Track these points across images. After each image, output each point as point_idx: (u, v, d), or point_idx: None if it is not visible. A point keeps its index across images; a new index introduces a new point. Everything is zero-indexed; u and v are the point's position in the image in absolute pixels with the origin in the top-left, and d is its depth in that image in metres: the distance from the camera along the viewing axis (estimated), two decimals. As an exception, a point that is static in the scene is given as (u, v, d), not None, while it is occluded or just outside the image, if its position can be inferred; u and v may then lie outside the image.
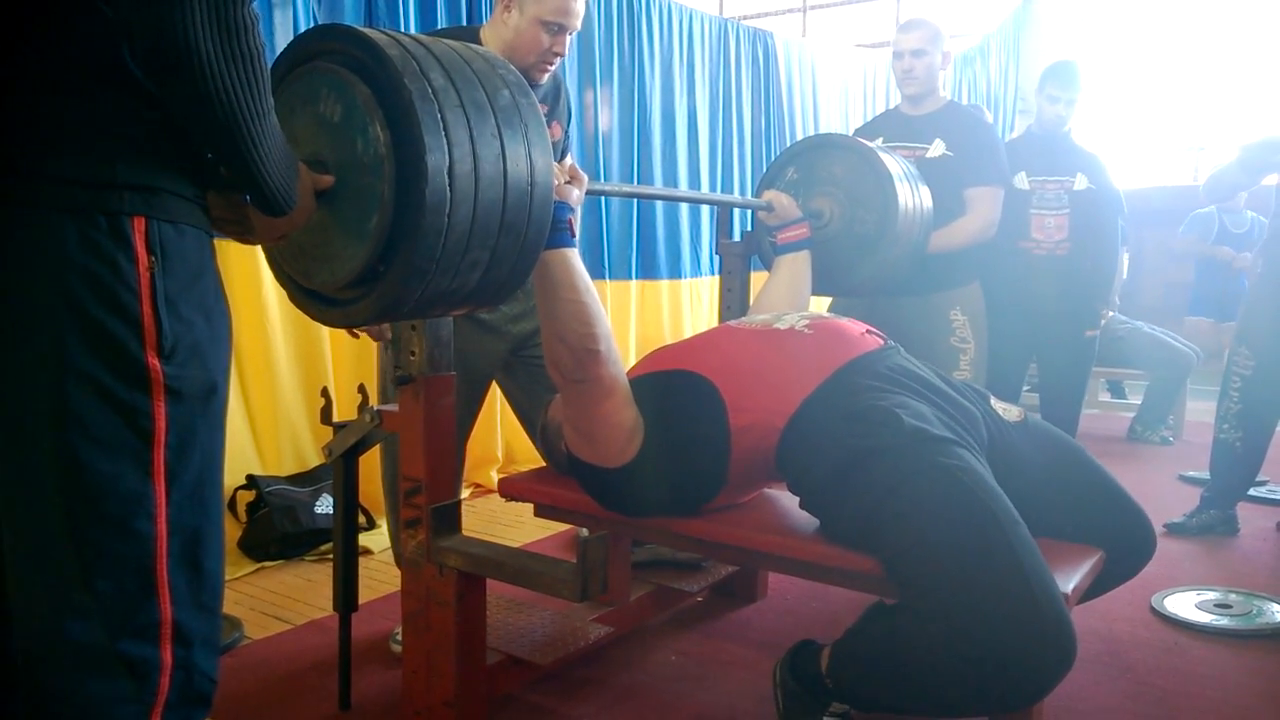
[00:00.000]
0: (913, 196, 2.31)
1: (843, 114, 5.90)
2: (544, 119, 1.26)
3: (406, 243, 1.12)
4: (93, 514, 0.89)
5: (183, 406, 0.92)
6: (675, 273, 4.52)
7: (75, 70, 0.87)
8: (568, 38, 1.98)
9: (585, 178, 1.59)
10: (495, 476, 3.32)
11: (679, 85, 4.48)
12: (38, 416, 0.88)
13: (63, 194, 0.86)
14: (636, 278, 4.30)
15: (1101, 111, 8.13)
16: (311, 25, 2.88)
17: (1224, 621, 2.27)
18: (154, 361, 0.89)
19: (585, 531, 1.49)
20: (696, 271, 4.64)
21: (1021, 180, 3.00)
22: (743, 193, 4.90)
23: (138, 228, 0.88)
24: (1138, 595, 2.35)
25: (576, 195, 1.53)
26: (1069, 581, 1.41)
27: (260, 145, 0.92)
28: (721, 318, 2.45)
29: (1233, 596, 2.42)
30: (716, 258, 4.60)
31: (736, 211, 4.01)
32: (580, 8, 1.97)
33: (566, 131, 2.26)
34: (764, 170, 5.14)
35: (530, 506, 1.88)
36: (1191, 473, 3.71)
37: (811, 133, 5.60)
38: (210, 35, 0.84)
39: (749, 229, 2.53)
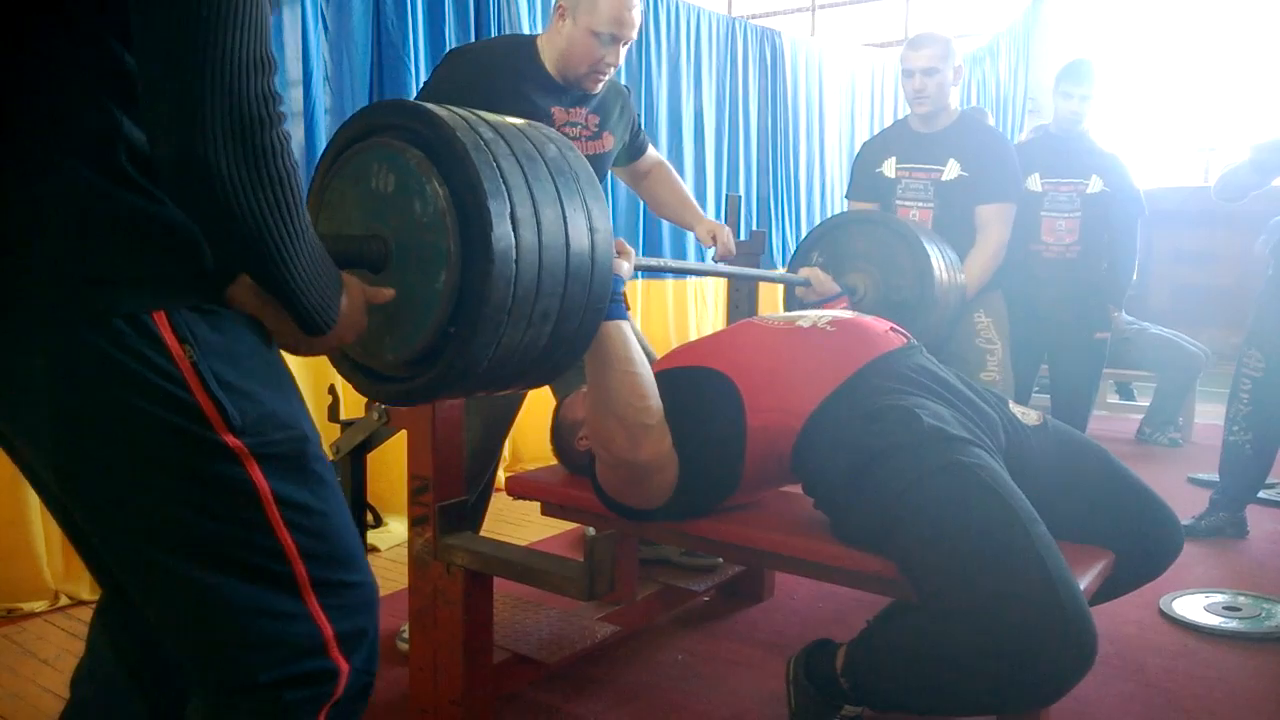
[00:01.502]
0: (943, 261, 2.33)
1: (849, 114, 5.88)
2: (589, 165, 1.25)
3: (478, 295, 1.09)
4: (236, 569, 0.92)
5: (278, 464, 0.93)
6: (681, 273, 4.52)
7: (85, 167, 0.85)
8: (621, 48, 1.98)
9: (632, 251, 1.58)
10: (502, 475, 3.32)
11: (686, 84, 4.48)
12: (139, 528, 0.91)
13: (72, 299, 0.85)
14: (642, 277, 4.30)
15: (1112, 111, 8.10)
16: (319, 24, 2.88)
17: (1233, 624, 2.26)
18: (232, 440, 0.89)
19: (592, 530, 1.50)
20: (701, 257, 4.65)
21: (1034, 182, 2.98)
22: (747, 191, 4.89)
23: (160, 322, 0.86)
24: (1146, 597, 2.34)
25: (626, 268, 1.52)
26: (1078, 584, 1.40)
27: (292, 266, 0.88)
28: (729, 317, 2.45)
29: (1242, 599, 2.41)
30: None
31: (743, 211, 4.02)
32: (634, 18, 1.96)
33: (640, 134, 2.27)
34: (770, 170, 5.17)
35: (537, 505, 1.88)
36: (1201, 475, 3.70)
37: (818, 133, 5.59)
38: (234, 160, 0.80)
39: (756, 228, 2.53)
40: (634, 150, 2.28)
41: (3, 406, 0.92)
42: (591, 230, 1.19)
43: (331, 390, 1.78)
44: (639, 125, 2.28)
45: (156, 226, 0.87)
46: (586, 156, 2.06)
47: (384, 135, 1.16)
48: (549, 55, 2.00)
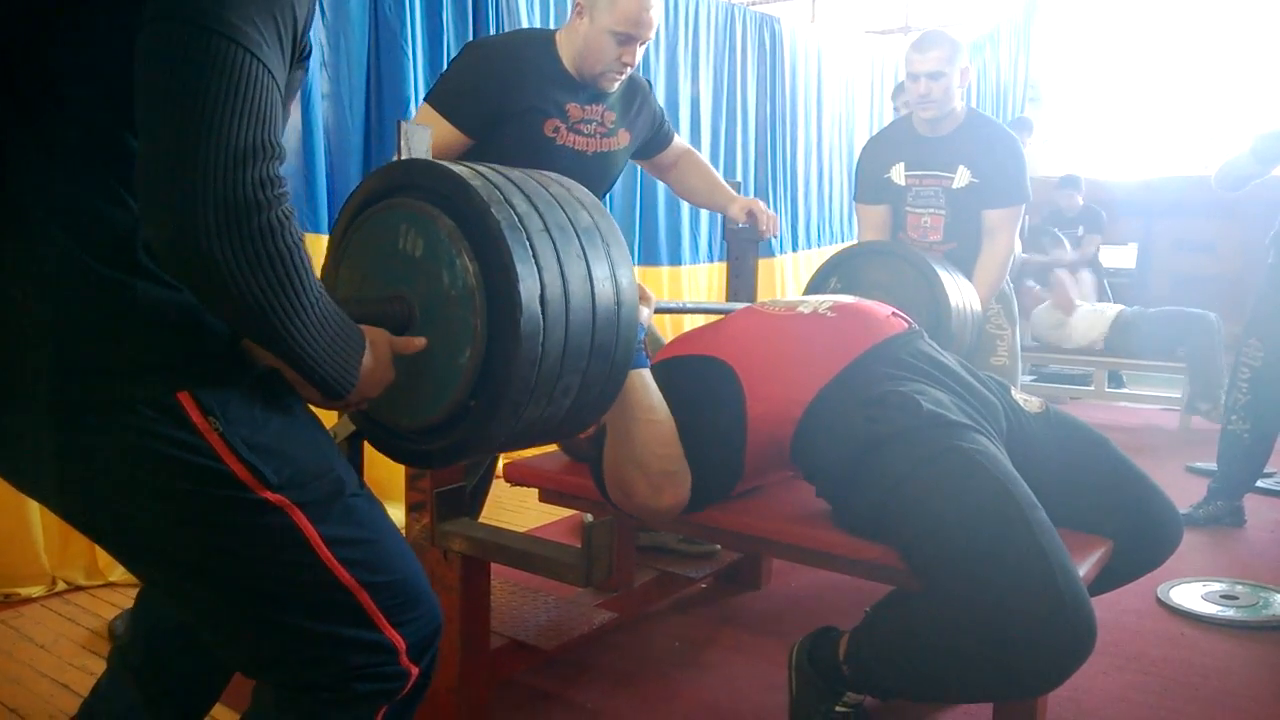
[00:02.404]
0: (960, 295, 2.31)
1: (849, 102, 5.86)
2: (620, 234, 1.23)
3: (501, 374, 1.07)
4: (307, 609, 0.97)
5: (320, 508, 0.96)
6: (675, 259, 4.51)
7: (107, 266, 0.86)
8: (638, 48, 1.97)
9: (652, 296, 1.56)
10: (501, 461, 3.32)
11: (683, 71, 4.45)
12: (218, 574, 0.95)
13: (106, 392, 0.86)
14: (638, 264, 4.29)
15: (1112, 100, 8.07)
16: (316, 23, 2.86)
17: (1230, 613, 2.27)
18: (271, 496, 0.92)
19: (590, 517, 1.49)
20: (696, 258, 4.63)
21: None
22: (745, 179, 4.87)
23: (184, 401, 0.88)
24: (1144, 586, 2.33)
25: (646, 314, 1.50)
26: (1078, 571, 1.40)
27: (301, 338, 0.86)
28: (728, 300, 2.44)
29: (1239, 588, 2.42)
30: (717, 244, 4.65)
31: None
32: (652, 19, 1.95)
33: (663, 127, 2.26)
34: (768, 158, 5.15)
35: (535, 491, 1.88)
36: (1199, 464, 3.70)
37: (815, 121, 5.57)
38: (229, 245, 0.78)
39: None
40: (658, 143, 2.27)
41: (39, 493, 0.98)
42: (619, 303, 1.17)
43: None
44: (663, 118, 2.26)
45: (174, 312, 0.88)
46: (602, 153, 2.09)
47: (415, 196, 1.13)
48: (566, 52, 1.99)
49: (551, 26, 2.56)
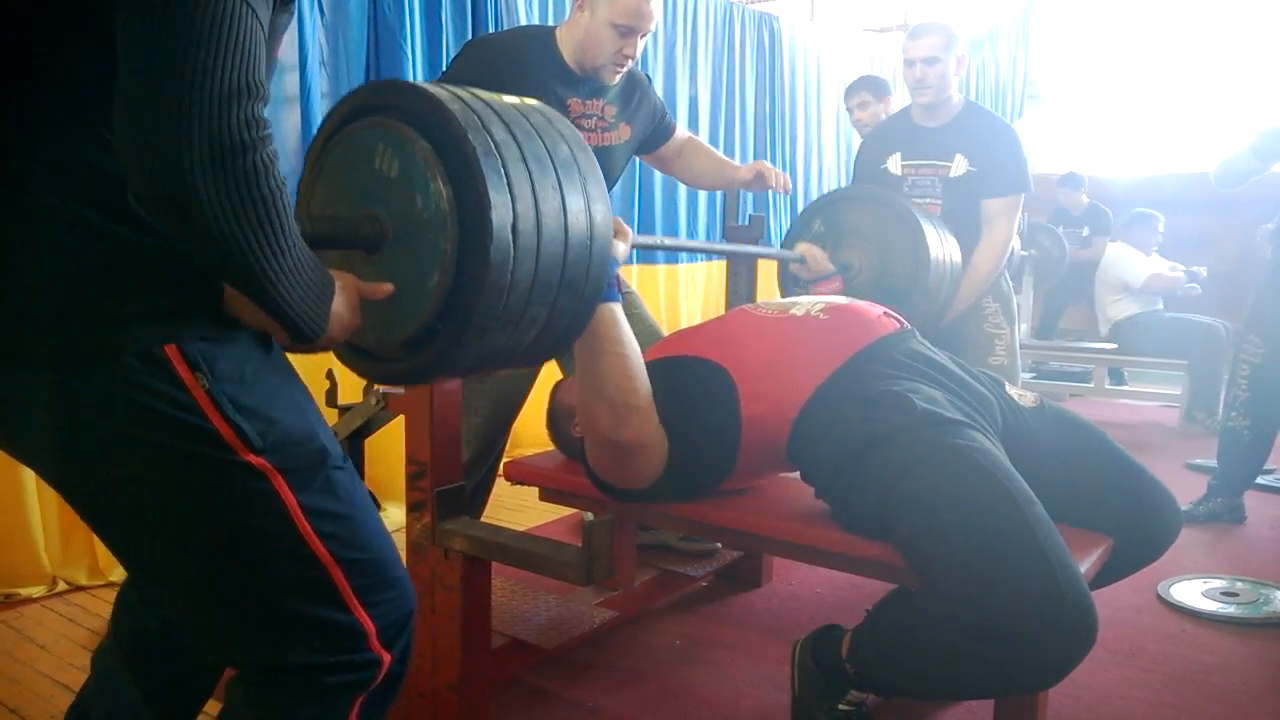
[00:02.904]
0: (943, 250, 2.30)
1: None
2: (600, 169, 1.23)
3: (468, 301, 1.08)
4: (275, 584, 0.95)
5: (302, 476, 0.94)
6: (672, 258, 4.51)
7: (85, 208, 0.85)
8: (639, 40, 1.98)
9: (629, 231, 1.57)
10: (502, 461, 3.32)
11: (681, 69, 4.45)
12: (182, 547, 0.93)
13: (83, 340, 0.85)
14: (635, 262, 4.29)
15: (1111, 98, 8.07)
16: (315, 8, 2.86)
17: (1230, 609, 2.27)
18: (254, 459, 0.90)
19: (589, 515, 1.49)
20: (693, 257, 4.63)
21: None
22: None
23: (172, 354, 0.87)
24: (1144, 583, 2.34)
25: (622, 250, 1.51)
26: (1077, 565, 1.40)
27: (278, 281, 0.86)
28: (728, 303, 2.44)
29: (1239, 584, 2.42)
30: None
31: (744, 195, 3.99)
32: (653, 11, 1.97)
33: (664, 119, 2.26)
34: (767, 157, 5.15)
35: (536, 490, 1.88)
36: (1199, 460, 3.70)
37: (815, 119, 5.57)
38: (214, 186, 0.78)
39: (753, 212, 2.51)
40: (661, 135, 2.27)
41: (19, 449, 0.95)
42: (591, 238, 1.17)
43: (329, 375, 1.78)
44: (663, 111, 2.27)
45: (162, 260, 0.87)
46: (603, 147, 2.10)
47: (394, 116, 1.13)
48: (567, 47, 2.01)
49: (551, 25, 2.56)
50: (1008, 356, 2.68)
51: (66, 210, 0.85)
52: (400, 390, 1.63)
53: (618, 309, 1.46)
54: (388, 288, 1.09)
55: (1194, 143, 7.68)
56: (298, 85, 2.83)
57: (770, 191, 2.31)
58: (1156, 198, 7.47)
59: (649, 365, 1.60)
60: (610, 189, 2.24)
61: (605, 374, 1.46)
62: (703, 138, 4.59)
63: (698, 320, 4.52)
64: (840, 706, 1.51)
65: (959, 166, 2.62)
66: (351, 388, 1.81)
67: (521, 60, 1.98)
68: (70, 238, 0.85)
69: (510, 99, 1.20)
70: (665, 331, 2.25)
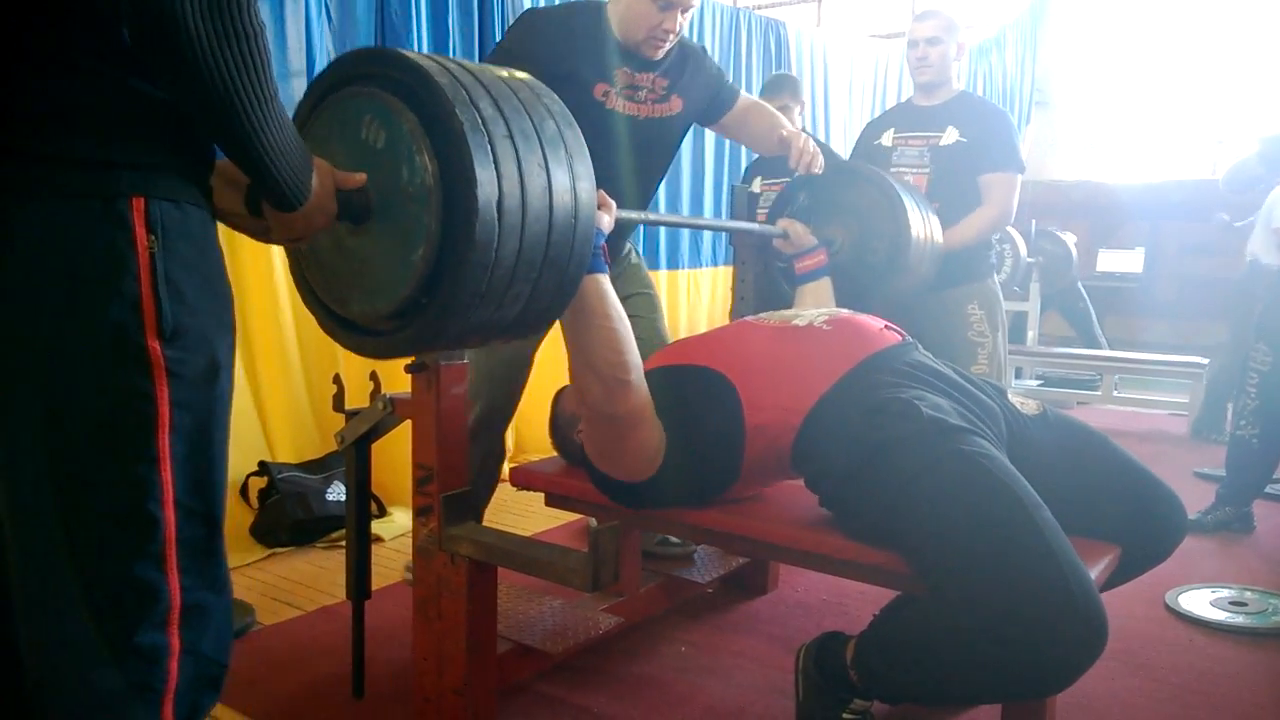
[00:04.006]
0: (924, 227, 2.29)
1: (853, 106, 5.85)
2: (586, 146, 1.23)
3: (452, 277, 1.08)
4: (97, 502, 0.88)
5: (185, 390, 0.90)
6: (674, 263, 4.51)
7: (71, 49, 0.85)
8: (681, 15, 1.99)
9: (613, 204, 1.58)
10: (506, 466, 3.32)
11: (690, 74, 4.46)
12: (37, 409, 0.87)
13: (57, 177, 0.84)
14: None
15: (1119, 103, 8.05)
16: (322, 15, 2.87)
17: (1239, 619, 2.25)
18: (154, 345, 0.87)
19: (594, 521, 1.49)
20: (697, 262, 4.63)
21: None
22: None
23: (137, 208, 0.86)
24: (1152, 592, 2.34)
25: (607, 221, 1.52)
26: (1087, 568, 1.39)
27: (263, 131, 0.87)
28: (734, 308, 2.44)
29: (1248, 594, 2.40)
30: (720, 249, 4.64)
31: (749, 201, 3.96)
32: None
33: (723, 90, 2.23)
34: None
35: (541, 496, 1.88)
36: (1207, 469, 3.68)
37: (823, 125, 5.57)
38: (199, 10, 0.80)
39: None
40: (720, 106, 2.26)
41: None
42: (576, 216, 1.18)
43: (337, 380, 1.78)
44: (719, 81, 2.24)
45: (151, 110, 0.87)
46: (654, 119, 2.10)
47: (382, 86, 1.13)
48: (614, 20, 2.02)
49: None
50: (990, 365, 2.66)
51: (60, 52, 0.84)
52: (407, 394, 1.63)
53: (603, 280, 1.47)
54: (361, 177, 1.09)
55: (1202, 149, 7.66)
56: (305, 90, 2.83)
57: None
58: (1164, 203, 7.46)
59: (651, 374, 1.60)
60: (666, 163, 2.24)
61: (593, 346, 1.46)
62: (709, 143, 4.62)
63: (703, 326, 4.53)
64: (845, 714, 1.50)
65: (949, 136, 2.64)
66: (358, 392, 1.81)
67: (571, 30, 2.00)
68: (64, 75, 0.85)
69: (499, 71, 1.20)
70: (670, 339, 2.25)
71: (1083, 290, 6.03)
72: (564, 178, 1.16)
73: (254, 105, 0.85)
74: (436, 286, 1.10)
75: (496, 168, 1.08)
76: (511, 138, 1.11)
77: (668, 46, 2.05)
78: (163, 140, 0.89)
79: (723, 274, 4.65)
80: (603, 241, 1.48)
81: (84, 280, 0.85)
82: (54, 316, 0.85)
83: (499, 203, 1.08)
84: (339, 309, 1.23)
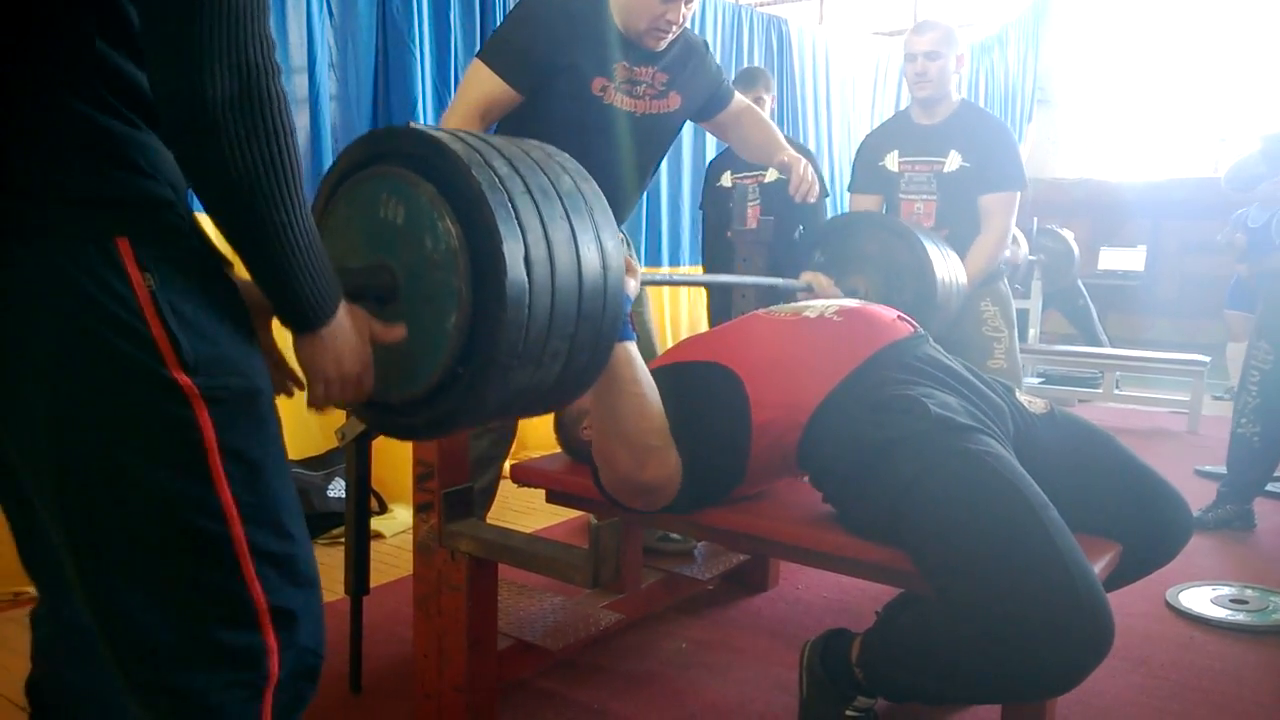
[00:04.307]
0: (946, 267, 2.30)
1: (856, 104, 5.85)
2: (604, 199, 1.21)
3: (489, 339, 1.06)
4: (166, 527, 0.87)
5: (226, 412, 0.88)
6: (675, 261, 4.51)
7: (65, 87, 0.83)
8: (684, 6, 1.98)
9: (638, 268, 1.56)
10: (508, 462, 3.32)
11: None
12: (84, 464, 0.85)
13: (48, 221, 0.82)
14: (642, 265, 4.28)
15: (1121, 102, 8.05)
16: (324, 11, 2.87)
17: (1240, 617, 2.25)
18: (182, 378, 0.85)
19: (595, 518, 1.49)
20: (698, 260, 4.63)
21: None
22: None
23: (123, 249, 0.82)
24: (1153, 590, 2.33)
25: (633, 286, 1.50)
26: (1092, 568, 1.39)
27: (286, 237, 0.84)
28: (736, 306, 2.43)
29: (1249, 592, 2.40)
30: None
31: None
32: None
33: (721, 87, 2.22)
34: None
35: (542, 492, 1.88)
36: (1208, 467, 3.68)
37: (825, 122, 5.56)
38: (231, 101, 0.78)
39: (762, 216, 2.51)
40: (716, 104, 2.24)
41: None
42: (605, 268, 1.16)
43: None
44: (719, 79, 2.23)
45: (131, 149, 0.85)
46: (652, 115, 2.09)
47: (394, 163, 1.12)
48: (616, 10, 1.99)
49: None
50: (1007, 360, 2.67)
51: (44, 94, 0.83)
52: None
53: (632, 347, 1.45)
54: (400, 330, 1.06)
55: (1204, 147, 7.65)
56: (306, 88, 2.84)
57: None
58: (1166, 202, 7.45)
59: (659, 371, 1.60)
60: (661, 156, 2.23)
61: (623, 414, 1.45)
62: (710, 140, 4.61)
63: (701, 325, 4.52)
64: (848, 712, 1.50)
65: (953, 162, 2.64)
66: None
67: (572, 19, 1.97)
68: (45, 118, 0.83)
69: (507, 140, 1.19)
70: (660, 346, 2.25)
71: (1083, 288, 6.04)
72: (588, 231, 1.15)
73: (279, 207, 0.82)
74: (474, 352, 1.08)
75: (519, 224, 1.07)
76: (530, 193, 1.10)
77: (670, 38, 2.02)
78: (138, 175, 0.86)
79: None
80: (629, 307, 1.44)
81: (93, 325, 0.82)
82: (78, 368, 0.83)
83: (526, 257, 1.06)
84: (381, 398, 1.18)
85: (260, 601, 0.90)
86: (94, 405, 0.84)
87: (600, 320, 1.17)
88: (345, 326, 0.95)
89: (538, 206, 1.10)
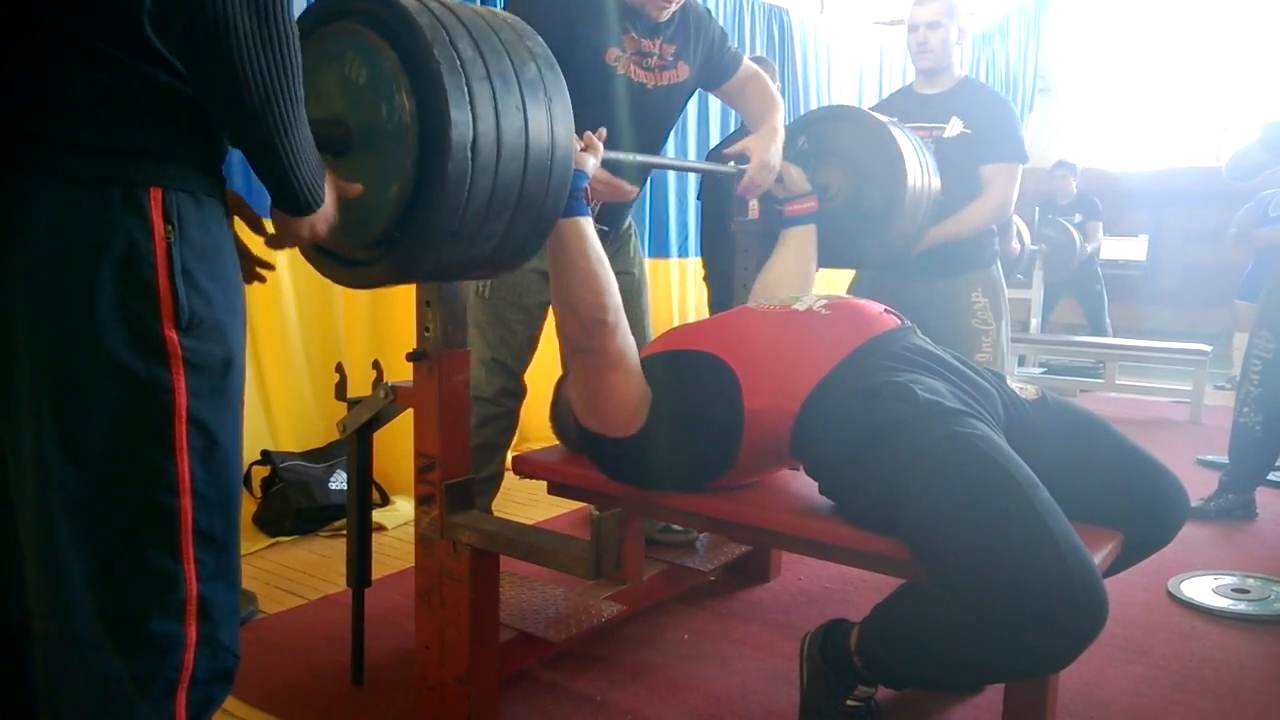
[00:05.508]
0: (922, 176, 2.28)
1: (858, 93, 5.83)
2: (566, 89, 1.23)
3: (424, 214, 1.11)
4: (113, 491, 0.88)
5: (202, 380, 0.90)
6: (684, 251, 4.50)
7: (97, 38, 0.85)
8: None
9: (599, 145, 1.59)
10: (509, 454, 3.32)
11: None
12: (52, 396, 0.86)
13: (77, 163, 0.85)
14: (647, 256, 4.27)
15: (1122, 90, 8.02)
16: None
17: (1241, 606, 2.26)
18: (171, 334, 0.87)
19: (595, 510, 1.49)
20: (699, 250, 4.61)
21: None
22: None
23: (154, 197, 0.86)
24: (1154, 579, 2.34)
25: (592, 163, 1.54)
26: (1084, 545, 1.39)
27: (291, 134, 0.89)
28: (737, 297, 2.43)
29: (1250, 581, 2.40)
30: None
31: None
32: None
33: (724, 54, 2.20)
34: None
35: (544, 484, 1.88)
36: (1210, 456, 3.69)
37: (828, 111, 5.54)
38: (246, 14, 0.81)
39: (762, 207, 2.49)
40: (722, 71, 2.22)
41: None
42: (552, 159, 1.20)
43: (339, 369, 1.78)
44: (722, 48, 2.21)
45: (171, 101, 0.87)
46: (664, 87, 2.08)
47: (365, 23, 1.15)
48: None
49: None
50: (993, 353, 2.66)
51: (83, 39, 0.85)
52: (409, 382, 1.63)
53: (585, 223, 1.49)
54: (358, 188, 1.11)
55: (1205, 136, 7.63)
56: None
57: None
58: (1167, 190, 7.43)
59: (649, 360, 1.61)
60: (668, 129, 2.23)
61: (573, 286, 1.50)
62: (713, 130, 4.60)
63: (692, 315, 4.52)
64: (849, 701, 1.51)
65: (954, 128, 2.63)
66: (361, 381, 1.81)
67: None
68: (85, 65, 0.85)
69: (482, 10, 1.21)
70: (653, 331, 2.24)
71: (1100, 273, 6.00)
72: (542, 120, 1.19)
73: (286, 108, 0.87)
74: (410, 222, 1.13)
75: (472, 109, 1.10)
76: (490, 79, 1.14)
77: (673, 8, 2.03)
78: (180, 130, 0.89)
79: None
80: (584, 184, 1.49)
81: (102, 269, 0.85)
82: (71, 304, 0.85)
83: (473, 143, 1.10)
84: (327, 244, 1.26)
85: (191, 587, 0.90)
86: (82, 346, 0.85)
87: (540, 206, 1.23)
88: (327, 202, 1.01)
89: (494, 94, 1.14)
